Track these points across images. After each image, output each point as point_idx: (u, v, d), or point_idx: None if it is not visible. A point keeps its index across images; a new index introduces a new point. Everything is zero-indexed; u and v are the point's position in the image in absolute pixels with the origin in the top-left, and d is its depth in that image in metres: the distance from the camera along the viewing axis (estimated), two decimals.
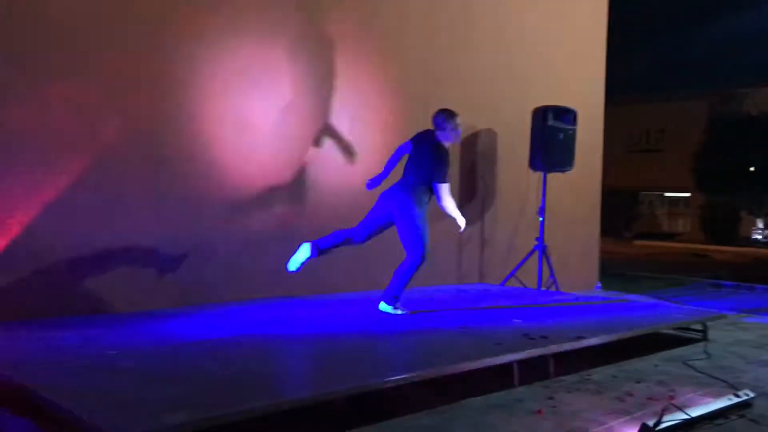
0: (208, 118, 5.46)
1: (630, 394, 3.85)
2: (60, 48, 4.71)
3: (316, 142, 6.16)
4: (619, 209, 24.06)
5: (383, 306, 5.12)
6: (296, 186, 6.02)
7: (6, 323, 4.35)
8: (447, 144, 5.24)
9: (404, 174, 5.24)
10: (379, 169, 6.07)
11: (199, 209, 5.40)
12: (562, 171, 7.49)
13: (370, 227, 5.23)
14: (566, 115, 7.45)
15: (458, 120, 5.25)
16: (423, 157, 5.14)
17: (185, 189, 5.33)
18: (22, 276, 4.60)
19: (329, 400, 3.23)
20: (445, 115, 5.21)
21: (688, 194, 25.59)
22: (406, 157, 5.36)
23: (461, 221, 5.27)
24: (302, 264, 5.07)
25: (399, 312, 5.10)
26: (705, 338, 5.48)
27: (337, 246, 5.20)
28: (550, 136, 7.29)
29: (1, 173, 4.50)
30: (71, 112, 4.78)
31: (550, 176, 7.52)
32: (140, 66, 5.07)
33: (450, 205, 5.16)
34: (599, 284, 8.94)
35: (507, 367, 3.97)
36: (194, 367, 3.57)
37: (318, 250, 5.10)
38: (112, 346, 3.85)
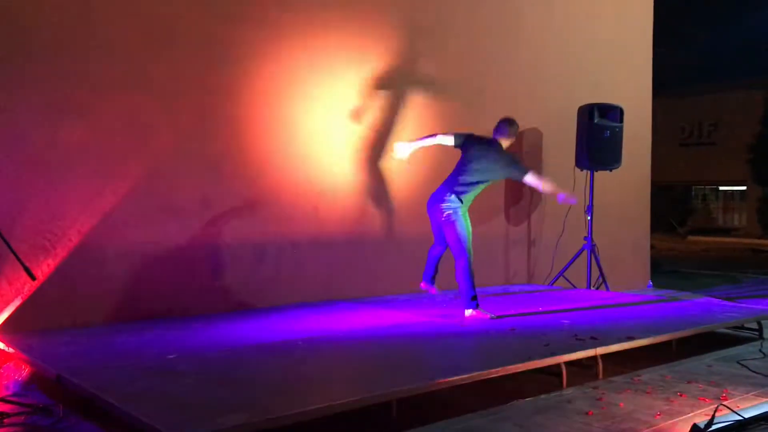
0: (255, 127, 5.60)
1: (681, 395, 3.82)
2: (112, 63, 4.90)
3: (364, 148, 6.23)
4: (672, 205, 23.58)
5: (468, 312, 5.12)
6: (342, 191, 6.11)
7: (68, 330, 4.55)
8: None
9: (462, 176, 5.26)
10: (428, 175, 6.17)
11: (248, 215, 5.54)
12: (610, 169, 7.41)
13: (438, 234, 5.39)
14: (612, 112, 7.37)
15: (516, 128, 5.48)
16: (484, 160, 5.22)
17: (234, 196, 5.47)
18: (82, 284, 4.79)
19: (381, 402, 3.30)
20: (506, 123, 5.44)
21: (743, 187, 24.90)
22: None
23: (560, 191, 5.55)
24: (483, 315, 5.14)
25: (483, 313, 5.11)
26: (761, 337, 5.38)
27: (437, 264, 5.53)
28: (597, 134, 7.22)
29: (59, 185, 4.71)
30: (124, 125, 4.97)
31: (598, 174, 7.45)
32: (189, 78, 5.23)
33: (548, 186, 5.45)
34: (651, 283, 8.80)
35: (556, 369, 3.98)
36: (252, 369, 3.68)
37: (431, 280, 5.52)
38: (171, 350, 3.99)
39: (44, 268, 4.63)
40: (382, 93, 6.36)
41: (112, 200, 4.92)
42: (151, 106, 5.08)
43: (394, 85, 6.44)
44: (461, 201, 5.15)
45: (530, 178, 5.25)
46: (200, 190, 5.32)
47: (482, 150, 5.27)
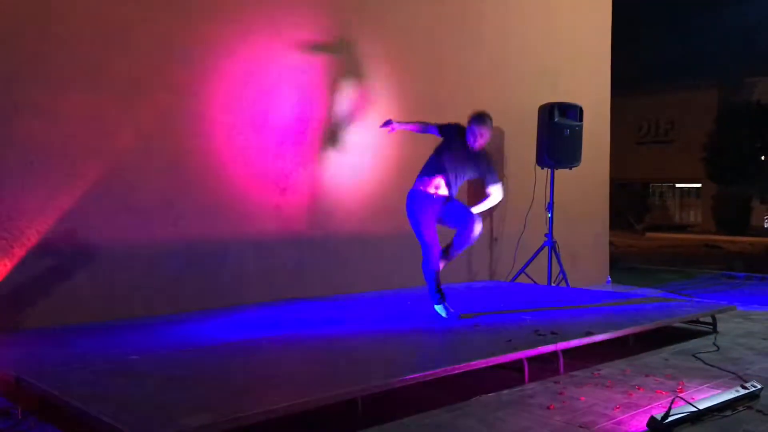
0: (218, 125, 5.56)
1: (639, 388, 3.91)
2: (71, 61, 4.82)
3: (326, 145, 6.24)
4: (630, 202, 24.05)
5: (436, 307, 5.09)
6: (307, 189, 6.11)
7: (27, 330, 4.48)
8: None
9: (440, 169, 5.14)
10: (390, 171, 6.20)
11: (211, 214, 5.50)
12: (570, 167, 7.54)
13: (433, 228, 5.16)
14: (572, 111, 7.50)
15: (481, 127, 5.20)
16: (467, 160, 5.19)
17: (197, 195, 5.43)
18: (41, 283, 4.71)
19: (347, 400, 3.32)
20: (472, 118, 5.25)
21: (699, 185, 25.53)
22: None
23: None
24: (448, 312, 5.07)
25: (445, 310, 5.04)
26: (715, 330, 5.54)
27: (438, 274, 5.14)
28: (557, 133, 7.34)
29: (17, 184, 4.62)
30: (84, 123, 4.89)
31: (558, 172, 7.58)
32: (152, 75, 5.17)
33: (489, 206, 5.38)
34: (610, 279, 8.98)
35: (518, 364, 4.05)
36: (216, 369, 3.67)
37: (441, 296, 5.10)
38: (133, 351, 3.95)
39: (1, 268, 4.54)
40: (346, 91, 6.37)
41: (72, 200, 4.85)
42: (111, 105, 5.01)
43: (356, 84, 6.45)
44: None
45: (495, 190, 5.21)
46: (162, 189, 5.27)
47: (464, 148, 5.21)
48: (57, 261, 4.79)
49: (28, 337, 4.30)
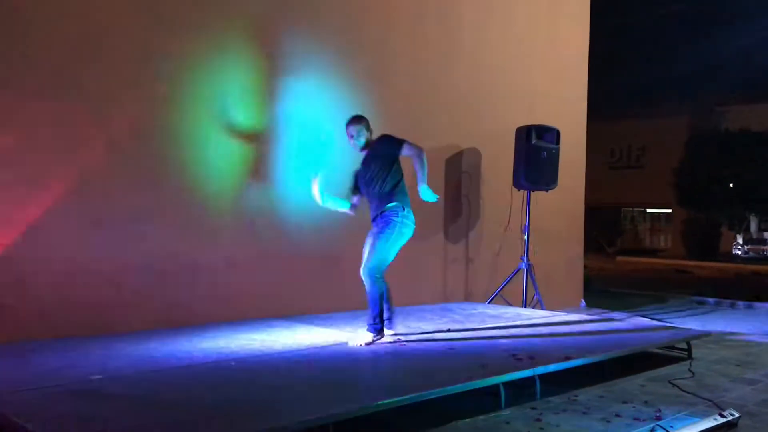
0: (191, 138, 5.44)
1: (617, 415, 3.85)
2: (41, 68, 4.69)
3: (303, 167, 6.14)
4: (602, 226, 24.24)
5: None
6: (280, 207, 6.00)
7: None
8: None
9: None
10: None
11: (182, 229, 5.36)
12: (546, 189, 7.53)
13: None
14: (549, 133, 7.51)
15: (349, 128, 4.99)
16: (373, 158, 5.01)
17: (167, 208, 5.30)
18: (2, 298, 4.53)
19: (318, 425, 3.20)
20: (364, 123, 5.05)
21: (669, 210, 25.83)
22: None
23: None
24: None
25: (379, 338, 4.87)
26: (689, 356, 5.51)
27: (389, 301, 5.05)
28: (534, 155, 7.33)
29: None
30: (51, 133, 4.75)
31: (534, 194, 7.56)
32: (122, 86, 5.05)
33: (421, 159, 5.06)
34: (584, 302, 8.97)
35: (494, 389, 3.96)
36: (181, 391, 3.52)
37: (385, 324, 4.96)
38: (96, 371, 3.79)
39: None
40: (319, 114, 6.29)
41: (37, 211, 4.69)
42: (81, 114, 4.87)
43: (333, 108, 6.38)
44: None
45: (408, 149, 4.92)
46: (131, 202, 5.12)
47: (369, 153, 5.03)
48: (19, 274, 4.60)
49: None
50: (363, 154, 5.02)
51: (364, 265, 4.88)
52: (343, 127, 5.07)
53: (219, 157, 5.59)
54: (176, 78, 5.35)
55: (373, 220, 4.96)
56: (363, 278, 4.87)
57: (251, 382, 3.81)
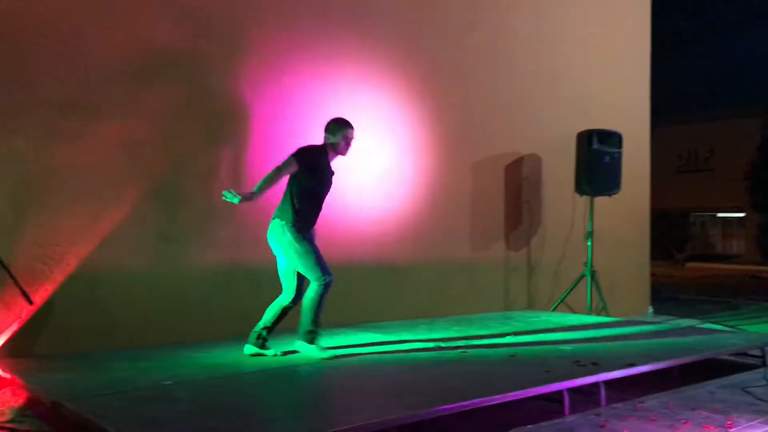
0: (253, 151, 5.59)
1: (685, 422, 3.77)
2: (106, 89, 4.91)
3: (357, 172, 6.23)
4: (670, 231, 23.59)
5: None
6: (339, 217, 6.09)
7: (65, 355, 4.50)
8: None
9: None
10: (424, 196, 6.13)
11: (246, 239, 5.50)
12: (609, 195, 7.43)
13: None
14: (611, 138, 7.41)
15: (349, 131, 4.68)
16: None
17: (232, 220, 5.44)
18: (79, 309, 4.75)
19: (379, 430, 3.24)
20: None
21: (742, 214, 24.95)
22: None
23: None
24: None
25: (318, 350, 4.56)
26: (764, 364, 5.33)
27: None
28: (596, 160, 7.24)
29: (56, 210, 4.70)
30: (120, 150, 4.97)
31: (597, 200, 7.46)
32: (185, 102, 5.24)
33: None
34: (651, 309, 8.77)
35: (557, 396, 3.93)
36: (247, 396, 3.63)
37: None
38: (167, 377, 3.94)
39: (42, 293, 4.59)
40: (375, 121, 6.38)
41: (109, 225, 4.91)
42: (146, 131, 5.08)
43: (389, 115, 6.46)
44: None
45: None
46: (196, 214, 5.30)
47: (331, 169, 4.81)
48: (94, 286, 4.82)
49: (65, 362, 4.32)
50: (330, 164, 4.71)
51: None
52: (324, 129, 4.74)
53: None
54: (238, 95, 5.51)
55: (311, 229, 4.66)
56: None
57: (310, 387, 3.89)
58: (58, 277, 4.68)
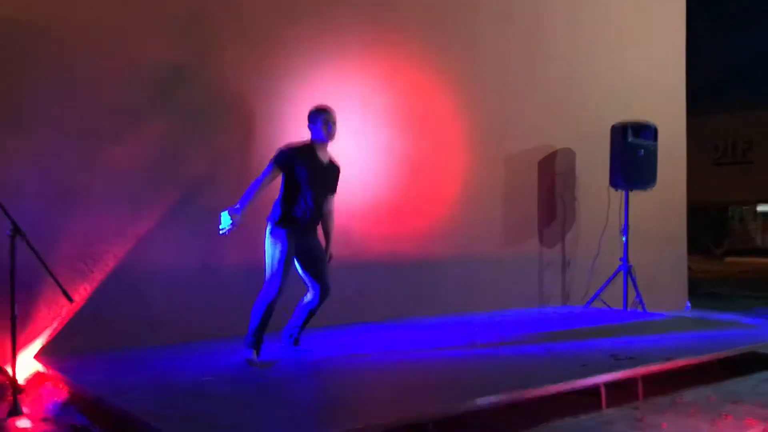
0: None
1: (726, 416, 3.71)
2: (146, 90, 4.98)
3: (391, 169, 6.25)
4: (707, 225, 23.14)
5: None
6: (372, 214, 6.11)
7: (105, 352, 4.59)
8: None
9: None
10: (458, 192, 6.10)
11: None
12: (645, 188, 7.32)
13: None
14: (646, 130, 7.30)
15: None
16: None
17: (265, 216, 5.47)
18: (118, 307, 4.82)
19: (417, 423, 3.25)
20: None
21: None
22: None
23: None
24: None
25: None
26: None
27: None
28: (631, 153, 7.15)
29: (96, 209, 4.78)
30: (158, 150, 5.03)
31: (632, 194, 7.36)
32: (223, 103, 5.30)
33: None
34: (689, 304, 8.63)
35: (594, 390, 3.90)
36: (286, 390, 3.68)
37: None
38: (206, 373, 4.00)
39: (82, 292, 4.69)
40: (409, 116, 6.38)
41: (148, 224, 4.98)
42: (184, 132, 5.15)
43: (422, 108, 6.46)
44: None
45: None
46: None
47: (330, 163, 4.67)
48: (133, 284, 4.91)
49: (106, 358, 4.41)
50: (321, 158, 4.50)
51: (329, 283, 4.60)
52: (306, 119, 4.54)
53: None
54: (273, 93, 5.56)
55: (308, 231, 4.51)
56: (326, 296, 4.61)
57: (350, 381, 3.92)
58: (98, 275, 4.77)
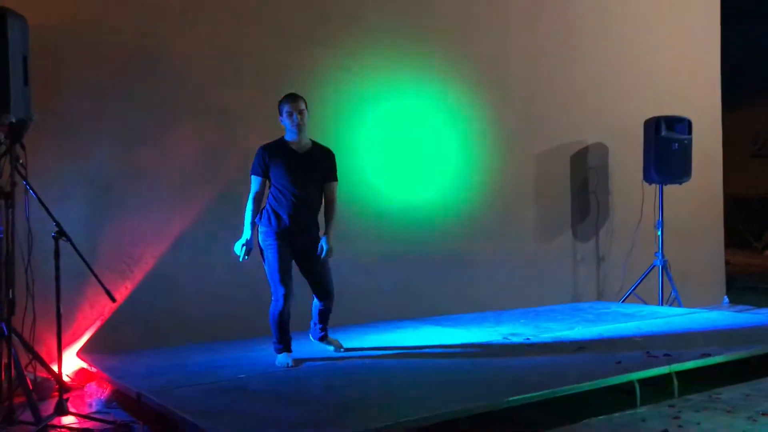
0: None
1: (764, 414, 3.67)
2: (183, 93, 5.10)
3: (418, 167, 6.28)
4: (747, 218, 22.68)
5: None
6: (402, 211, 6.15)
7: (146, 350, 4.71)
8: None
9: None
10: (490, 188, 6.08)
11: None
12: (679, 182, 7.24)
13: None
14: (680, 124, 7.22)
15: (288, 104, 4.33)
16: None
17: None
18: (158, 306, 4.95)
19: (450, 419, 3.29)
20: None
21: None
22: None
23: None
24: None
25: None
26: None
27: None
28: (665, 147, 7.07)
29: (135, 210, 4.91)
30: (194, 151, 5.15)
31: (667, 188, 7.28)
32: (255, 104, 5.37)
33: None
34: (726, 299, 8.50)
35: (628, 386, 3.89)
36: (320, 388, 3.74)
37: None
38: (243, 370, 4.09)
39: (122, 291, 4.81)
40: (441, 113, 6.40)
41: (184, 224, 5.09)
42: (219, 132, 5.25)
43: (453, 104, 6.47)
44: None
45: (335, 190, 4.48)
46: None
47: (314, 150, 4.50)
48: (172, 284, 5.02)
49: (147, 356, 4.52)
50: (298, 144, 4.35)
51: (331, 289, 4.49)
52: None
53: (348, 161, 5.79)
54: (302, 90, 5.62)
55: (301, 231, 4.33)
56: (330, 291, 4.49)
57: (382, 378, 3.97)
58: (138, 275, 4.89)
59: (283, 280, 4.25)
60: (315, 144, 4.45)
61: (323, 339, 4.67)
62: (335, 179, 4.44)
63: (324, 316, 4.60)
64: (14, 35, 3.77)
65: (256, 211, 4.32)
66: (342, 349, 4.60)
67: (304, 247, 4.36)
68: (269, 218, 4.31)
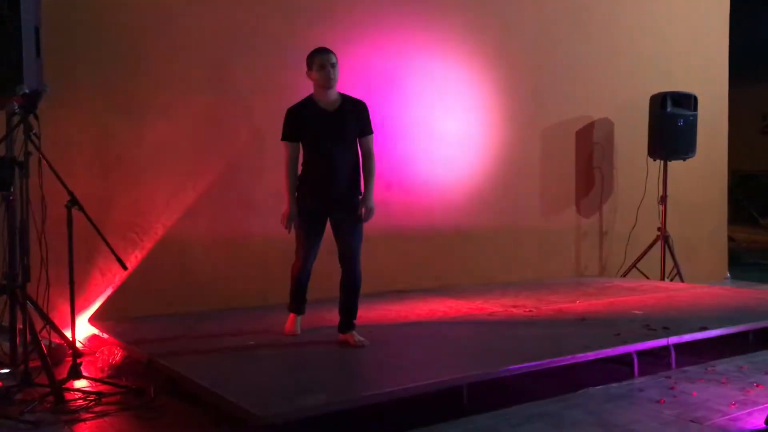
0: None
1: (757, 385, 3.77)
2: (193, 66, 5.16)
3: (426, 141, 6.32)
4: (754, 195, 22.62)
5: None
6: (410, 185, 6.21)
7: (156, 317, 4.82)
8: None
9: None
10: (496, 163, 6.14)
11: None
12: (684, 158, 7.28)
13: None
14: (686, 100, 7.24)
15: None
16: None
17: None
18: (168, 274, 5.05)
19: (452, 387, 3.39)
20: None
21: None
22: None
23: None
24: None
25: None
26: None
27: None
28: (670, 123, 7.10)
29: (145, 181, 5.00)
30: (204, 124, 5.22)
31: (672, 163, 7.32)
32: (264, 78, 5.43)
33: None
34: (729, 275, 8.57)
35: (627, 358, 3.99)
36: (327, 354, 3.85)
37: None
38: (251, 337, 4.20)
39: (133, 260, 4.92)
40: (448, 89, 6.43)
41: (194, 195, 5.18)
42: (229, 106, 5.31)
43: (460, 81, 6.50)
44: None
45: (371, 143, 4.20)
46: (276, 184, 5.49)
47: (346, 104, 4.20)
48: (181, 252, 5.12)
49: (158, 322, 4.64)
50: (327, 101, 4.08)
51: (356, 251, 4.10)
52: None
53: None
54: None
55: (336, 197, 4.08)
56: (354, 266, 4.09)
57: (389, 346, 4.06)
58: (148, 244, 4.99)
59: (306, 244, 4.12)
60: (345, 98, 4.12)
61: (344, 337, 4.09)
62: (370, 131, 4.13)
63: (345, 301, 4.13)
64: (26, 6, 3.81)
65: (294, 177, 4.12)
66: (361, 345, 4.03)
67: (336, 220, 4.11)
68: (303, 182, 4.12)
